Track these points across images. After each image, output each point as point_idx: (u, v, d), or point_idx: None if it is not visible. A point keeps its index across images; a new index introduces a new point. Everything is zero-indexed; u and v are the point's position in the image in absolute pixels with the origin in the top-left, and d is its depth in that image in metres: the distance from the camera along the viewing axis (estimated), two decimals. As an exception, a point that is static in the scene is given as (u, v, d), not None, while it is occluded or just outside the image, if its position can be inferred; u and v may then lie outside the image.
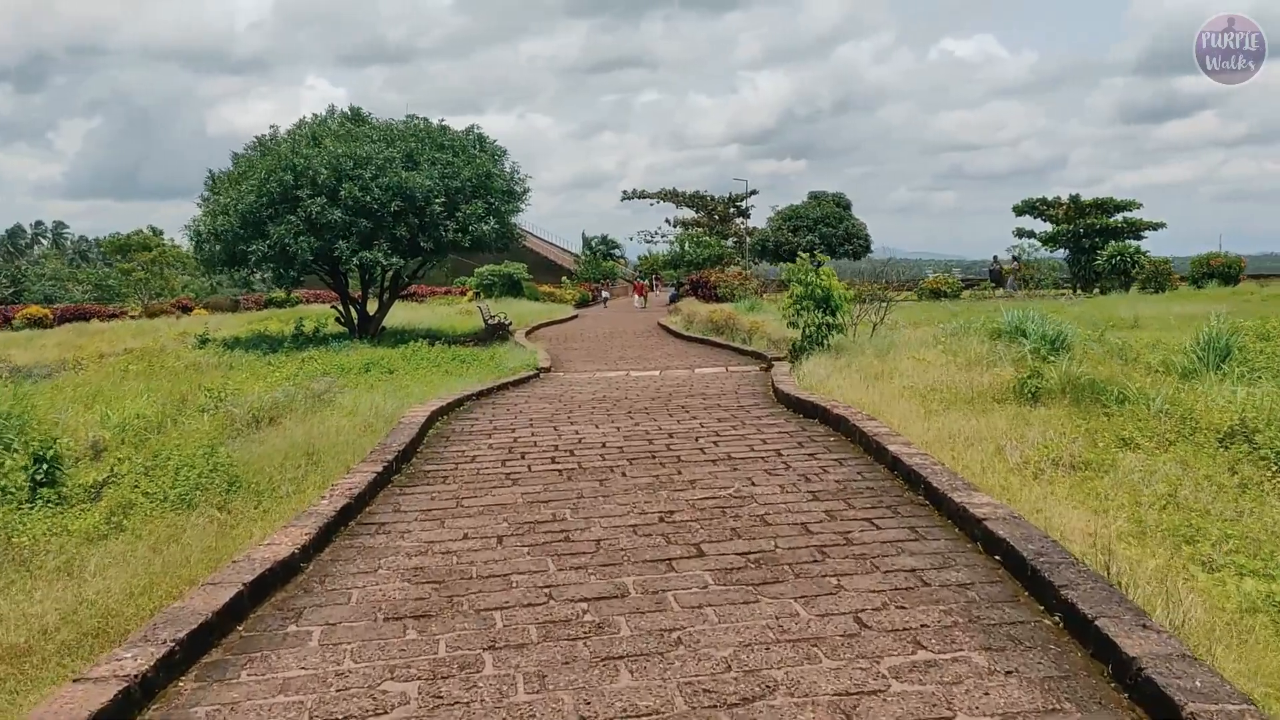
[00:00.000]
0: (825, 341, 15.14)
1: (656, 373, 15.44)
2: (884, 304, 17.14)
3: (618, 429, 9.30)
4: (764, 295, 37.04)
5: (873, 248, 62.20)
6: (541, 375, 15.27)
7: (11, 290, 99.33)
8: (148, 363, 19.75)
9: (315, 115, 24.63)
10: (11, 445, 9.25)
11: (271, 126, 24.21)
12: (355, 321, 24.55)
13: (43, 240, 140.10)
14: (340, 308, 24.81)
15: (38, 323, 47.23)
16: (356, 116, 24.72)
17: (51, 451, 8.18)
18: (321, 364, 17.62)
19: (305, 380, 15.94)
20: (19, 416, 10.77)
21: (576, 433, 9.19)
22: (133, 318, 50.82)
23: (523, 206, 24.99)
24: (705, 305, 33.77)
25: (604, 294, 57.34)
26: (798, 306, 15.33)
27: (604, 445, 8.49)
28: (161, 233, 53.17)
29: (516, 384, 13.91)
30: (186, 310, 53.30)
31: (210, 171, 24.67)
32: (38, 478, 7.97)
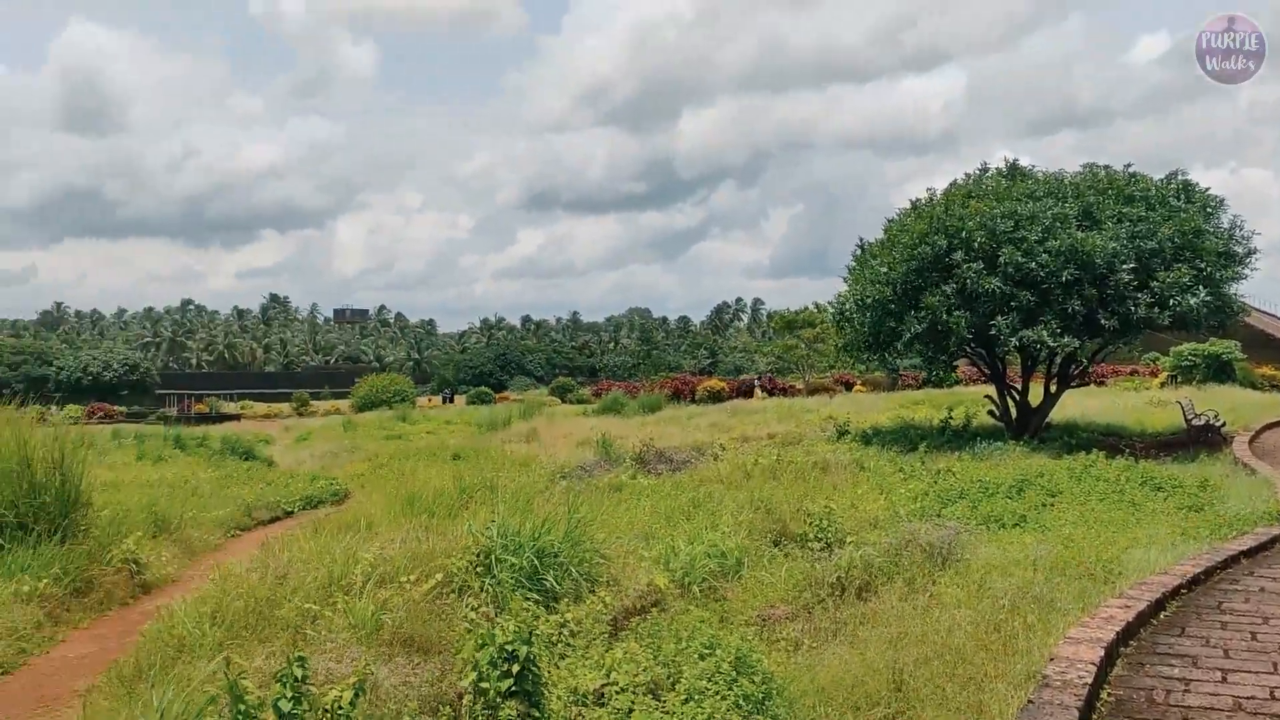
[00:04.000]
0: None
1: None
2: None
3: None
4: None
5: None
6: (1291, 532, 9.77)
7: (709, 361, 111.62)
8: (777, 457, 17.69)
9: (968, 174, 21.13)
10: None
11: (928, 190, 21.24)
12: (1013, 415, 20.34)
13: (741, 316, 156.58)
14: (994, 397, 20.82)
15: (715, 396, 50.10)
16: (1014, 171, 20.67)
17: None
18: (960, 478, 13.91)
19: (932, 503, 12.43)
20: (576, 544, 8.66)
21: None
22: (797, 391, 51.86)
23: (1246, 272, 18.78)
24: None
25: None
26: None
27: None
28: (826, 309, 53.87)
29: (1252, 553, 8.76)
30: (848, 386, 53.08)
31: (860, 240, 22.42)
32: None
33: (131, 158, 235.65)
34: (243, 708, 4.77)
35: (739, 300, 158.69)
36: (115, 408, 61.45)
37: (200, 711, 5.29)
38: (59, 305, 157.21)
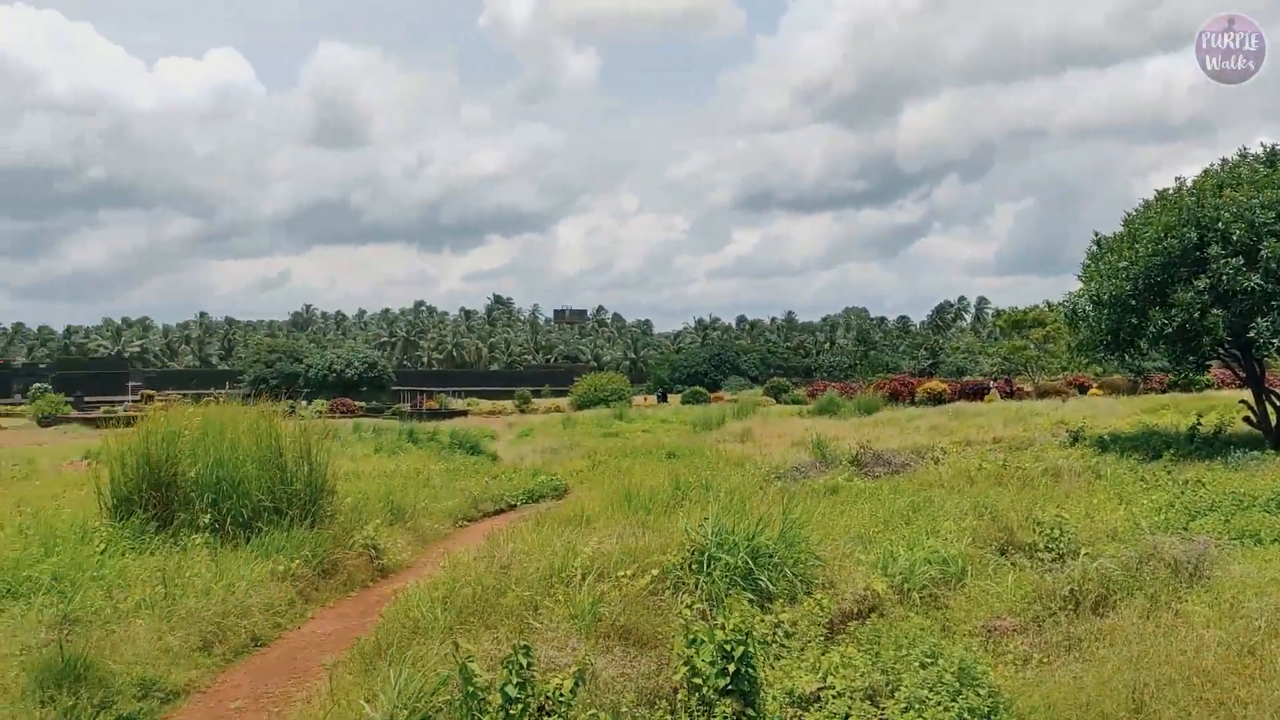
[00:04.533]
0: None
1: None
2: None
3: None
4: None
5: None
6: None
7: (930, 362, 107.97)
8: (1003, 462, 16.88)
9: (1225, 160, 19.48)
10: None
11: (1177, 179, 19.77)
12: (1272, 423, 18.62)
13: (964, 315, 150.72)
14: (1251, 404, 19.12)
15: (936, 398, 48.48)
16: (1275, 157, 18.87)
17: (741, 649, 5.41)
18: (1211, 489, 12.83)
19: (1178, 515, 11.52)
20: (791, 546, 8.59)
21: None
22: (1025, 394, 49.28)
23: None
24: None
25: None
26: None
27: None
28: (1057, 308, 50.97)
29: None
30: (1082, 389, 50.07)
31: (1096, 234, 21.17)
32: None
33: (374, 169, 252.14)
34: (472, 689, 5.00)
35: (961, 299, 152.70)
36: (355, 403, 65.68)
37: (434, 690, 5.59)
38: (308, 307, 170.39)
